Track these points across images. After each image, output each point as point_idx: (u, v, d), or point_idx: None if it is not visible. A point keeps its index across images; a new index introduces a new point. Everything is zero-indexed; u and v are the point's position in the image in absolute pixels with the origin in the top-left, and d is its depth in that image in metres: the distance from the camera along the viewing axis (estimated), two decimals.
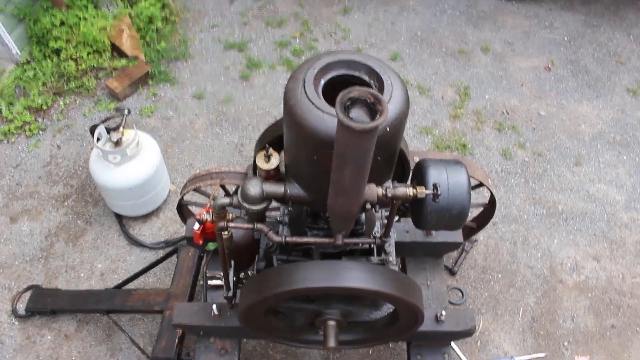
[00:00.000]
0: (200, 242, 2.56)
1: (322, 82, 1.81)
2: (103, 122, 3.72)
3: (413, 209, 2.04)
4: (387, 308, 2.49)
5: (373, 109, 1.43)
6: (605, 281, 3.85)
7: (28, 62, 4.79)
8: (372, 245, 2.32)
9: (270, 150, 2.08)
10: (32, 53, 4.81)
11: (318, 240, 2.07)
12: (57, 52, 4.74)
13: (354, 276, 1.99)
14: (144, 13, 4.99)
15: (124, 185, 3.71)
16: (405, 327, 2.38)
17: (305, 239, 2.11)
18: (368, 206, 1.75)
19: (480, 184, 3.38)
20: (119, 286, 3.57)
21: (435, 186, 1.84)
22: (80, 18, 4.78)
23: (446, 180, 1.93)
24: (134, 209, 3.94)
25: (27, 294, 3.65)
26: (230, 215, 2.16)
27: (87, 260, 3.88)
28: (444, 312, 2.73)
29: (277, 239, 2.06)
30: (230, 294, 2.43)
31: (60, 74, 4.72)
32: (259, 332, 2.49)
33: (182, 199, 3.17)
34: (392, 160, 1.87)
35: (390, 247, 2.64)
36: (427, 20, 5.45)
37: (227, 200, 2.11)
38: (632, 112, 4.75)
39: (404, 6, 5.58)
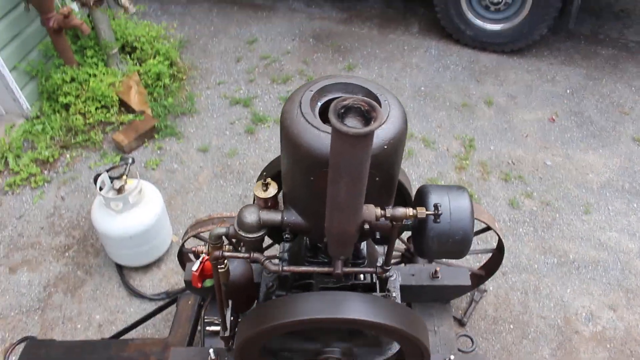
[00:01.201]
0: (199, 285, 2.49)
1: (319, 104, 1.80)
2: (107, 170, 3.72)
3: (415, 236, 1.97)
4: (392, 349, 2.36)
5: (367, 116, 1.40)
6: (624, 331, 3.68)
7: (38, 117, 4.88)
8: (374, 280, 2.23)
9: (269, 180, 2.04)
10: (42, 108, 4.91)
11: (317, 269, 1.99)
12: (67, 107, 4.84)
13: (354, 307, 1.89)
14: (152, 70, 5.11)
15: (125, 234, 3.66)
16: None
17: (303, 269, 2.04)
18: (366, 226, 1.68)
19: (488, 228, 3.32)
20: (115, 336, 3.46)
21: (436, 206, 1.78)
22: (90, 75, 4.90)
23: (448, 205, 1.88)
24: (134, 259, 3.87)
25: (21, 346, 3.53)
26: (227, 247, 2.10)
27: (85, 311, 3.78)
28: (452, 357, 2.59)
29: (273, 267, 1.99)
30: (227, 333, 2.32)
31: (68, 128, 4.79)
32: None
33: (183, 245, 3.12)
34: (391, 183, 1.83)
35: (395, 283, 2.55)
36: (430, 75, 5.55)
37: (223, 229, 2.06)
38: (639, 161, 4.71)
39: (407, 63, 5.69)
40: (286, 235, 1.96)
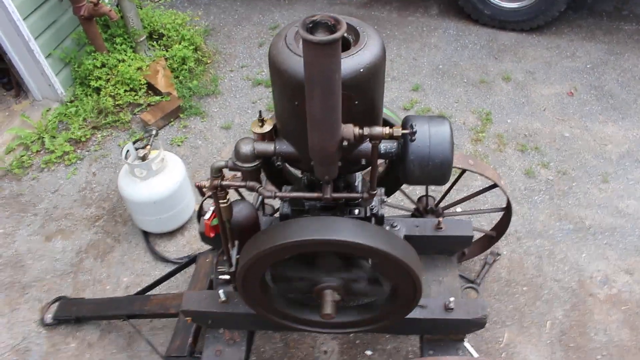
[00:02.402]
0: (212, 234, 2.66)
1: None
2: (133, 143, 3.95)
3: (399, 163, 2.08)
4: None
5: (334, 30, 1.53)
6: None
7: (71, 101, 5.17)
8: (368, 214, 2.35)
9: (264, 116, 2.20)
10: (75, 93, 5.19)
11: (307, 195, 2.13)
12: (97, 90, 5.11)
13: (342, 229, 2.02)
14: (178, 54, 5.35)
15: (149, 199, 3.87)
16: (406, 301, 2.35)
17: (294, 194, 2.18)
18: (345, 143, 1.81)
19: (494, 185, 3.39)
20: (139, 293, 3.66)
21: (411, 126, 1.89)
22: (119, 60, 5.17)
23: (428, 130, 1.99)
24: (159, 225, 4.08)
25: (55, 306, 3.77)
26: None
27: (113, 274, 4.00)
28: (452, 299, 2.68)
29: (267, 193, 2.13)
30: (233, 269, 2.48)
31: (99, 110, 5.06)
32: (259, 307, 2.50)
33: (201, 206, 3.29)
34: (372, 109, 1.94)
35: (399, 233, 2.67)
36: (449, 54, 5.61)
37: (222, 162, 2.22)
38: None
39: (426, 43, 5.78)
40: (277, 163, 2.11)
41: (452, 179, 3.55)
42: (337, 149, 1.83)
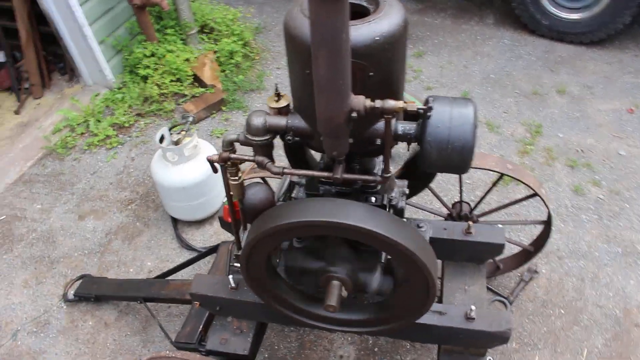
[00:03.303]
0: (230, 218, 2.58)
1: None
2: (170, 128, 3.95)
3: (417, 144, 1.93)
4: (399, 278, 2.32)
5: None
6: None
7: (119, 88, 5.27)
8: (384, 202, 2.21)
9: (280, 91, 2.11)
10: (124, 80, 5.29)
11: (317, 173, 2.01)
12: (145, 78, 5.19)
13: (352, 212, 1.89)
14: (226, 48, 5.38)
15: (179, 184, 3.86)
16: (418, 300, 2.18)
17: (303, 172, 2.07)
18: (354, 114, 1.69)
19: (534, 194, 3.17)
20: (159, 277, 3.63)
21: (427, 100, 1.76)
22: (168, 51, 5.24)
23: (449, 111, 1.83)
24: (187, 212, 4.06)
25: (79, 283, 3.80)
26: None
27: (138, 257, 4.00)
28: (473, 307, 2.49)
29: (275, 169, 2.04)
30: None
31: (144, 98, 5.13)
32: (263, 294, 2.40)
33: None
34: (388, 83, 1.82)
35: (425, 235, 2.52)
36: (501, 64, 5.40)
37: (234, 135, 2.14)
38: None
39: (478, 51, 5.58)
40: (288, 137, 2.01)
41: (486, 179, 3.38)
42: (346, 120, 1.71)
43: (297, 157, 2.61)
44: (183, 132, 3.92)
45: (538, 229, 3.49)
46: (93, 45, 5.01)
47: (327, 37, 1.49)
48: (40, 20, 5.17)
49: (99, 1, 5.00)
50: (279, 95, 2.10)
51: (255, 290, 2.38)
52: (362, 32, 1.71)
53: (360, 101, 1.70)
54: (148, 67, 5.17)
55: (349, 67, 1.61)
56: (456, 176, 3.34)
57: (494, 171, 3.06)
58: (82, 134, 4.96)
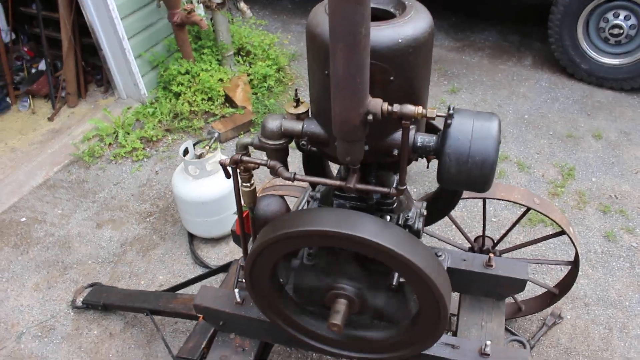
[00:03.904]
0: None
1: None
2: (194, 144, 3.95)
3: (436, 158, 1.84)
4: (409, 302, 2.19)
5: None
6: None
7: (152, 103, 5.33)
8: (400, 222, 2.11)
9: (300, 97, 2.06)
10: (157, 95, 5.36)
11: (328, 181, 1.93)
12: (177, 95, 5.24)
13: (362, 225, 1.80)
14: (260, 71, 5.41)
15: (198, 199, 3.82)
16: (428, 327, 2.05)
17: (315, 178, 1.98)
18: (370, 117, 1.61)
19: (562, 232, 3.02)
20: (168, 290, 3.56)
21: (449, 107, 1.67)
22: (203, 69, 5.30)
23: (471, 123, 1.75)
24: (204, 228, 4.00)
25: (88, 290, 3.75)
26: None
27: (150, 270, 3.94)
28: (488, 342, 2.33)
29: (286, 174, 1.96)
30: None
31: (174, 114, 5.17)
32: (267, 309, 2.29)
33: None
34: (409, 88, 1.75)
35: (443, 264, 2.40)
36: (537, 105, 5.28)
37: (248, 139, 2.09)
38: None
39: (514, 92, 5.48)
40: (302, 142, 1.94)
41: (513, 218, 3.25)
42: (362, 122, 1.63)
43: (315, 170, 2.54)
44: (207, 148, 3.91)
45: (564, 272, 3.31)
46: (130, 59, 5.10)
47: (346, 30, 1.43)
48: (83, 31, 5.31)
49: (138, 17, 5.12)
50: (297, 101, 2.05)
51: (258, 303, 2.28)
52: (385, 33, 1.65)
53: (378, 104, 1.63)
54: (182, 84, 5.23)
55: (367, 65, 1.55)
56: (481, 212, 3.21)
57: (520, 204, 2.93)
58: (110, 144, 5.01)
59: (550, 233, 3.14)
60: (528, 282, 3.63)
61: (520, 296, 3.53)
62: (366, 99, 1.61)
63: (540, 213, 2.93)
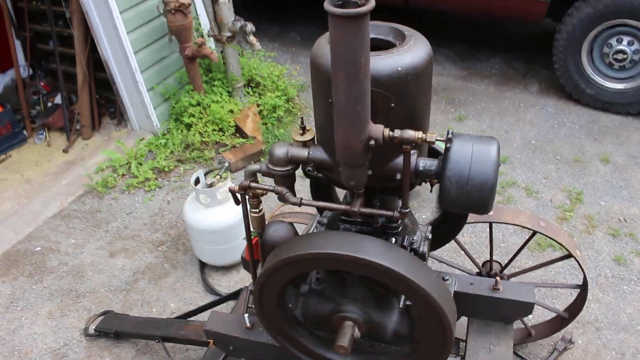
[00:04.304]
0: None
1: None
2: (206, 174, 4.03)
3: (438, 182, 1.89)
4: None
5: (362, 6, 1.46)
6: None
7: (164, 135, 5.45)
8: (405, 244, 2.15)
9: (307, 126, 2.13)
10: (169, 127, 5.48)
11: (334, 205, 1.99)
12: (188, 126, 5.36)
13: (369, 247, 1.85)
14: (269, 102, 5.53)
15: (208, 227, 3.88)
16: (434, 349, 2.07)
17: (321, 203, 2.05)
18: (372, 142, 1.68)
19: (569, 255, 3.04)
20: (180, 317, 3.60)
21: (448, 132, 1.73)
22: (213, 101, 5.43)
23: (471, 147, 1.80)
24: (215, 256, 4.06)
25: (101, 318, 3.80)
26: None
27: (162, 298, 3.99)
28: None
29: (293, 199, 2.03)
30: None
31: (186, 145, 5.28)
32: (276, 333, 2.33)
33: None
34: (411, 117, 1.81)
35: (450, 287, 2.44)
36: (544, 131, 5.33)
37: (257, 166, 2.16)
38: None
39: (521, 118, 5.54)
40: (308, 168, 2.01)
41: (522, 242, 3.27)
42: (364, 147, 1.70)
43: (322, 196, 2.60)
44: (218, 177, 3.99)
45: (573, 296, 3.31)
46: (143, 91, 5.24)
47: (346, 59, 1.51)
48: (97, 66, 5.48)
49: (151, 51, 5.28)
50: (304, 129, 2.13)
51: (267, 327, 2.32)
52: (385, 62, 1.73)
53: (379, 129, 1.70)
54: (193, 115, 5.35)
55: (368, 93, 1.62)
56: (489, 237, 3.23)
57: (526, 227, 2.95)
58: (123, 175, 5.11)
59: (560, 257, 3.15)
60: (538, 307, 3.65)
61: (530, 321, 3.53)
62: (367, 126, 1.68)
63: (547, 236, 2.95)
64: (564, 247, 2.94)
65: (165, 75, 5.51)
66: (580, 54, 5.27)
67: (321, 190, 2.60)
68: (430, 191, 2.11)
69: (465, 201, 1.82)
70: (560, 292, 3.76)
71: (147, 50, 5.24)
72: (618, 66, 5.19)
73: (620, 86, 5.25)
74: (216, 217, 3.89)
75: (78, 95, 5.49)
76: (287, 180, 2.08)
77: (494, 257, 3.32)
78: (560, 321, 3.32)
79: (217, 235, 3.92)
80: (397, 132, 1.70)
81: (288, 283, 2.11)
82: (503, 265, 3.26)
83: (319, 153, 2.00)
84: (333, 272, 2.21)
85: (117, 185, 5.03)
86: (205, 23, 5.61)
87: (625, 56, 5.09)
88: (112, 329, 3.64)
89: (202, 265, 4.19)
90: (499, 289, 2.73)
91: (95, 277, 4.18)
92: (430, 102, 1.98)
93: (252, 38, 5.39)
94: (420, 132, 1.68)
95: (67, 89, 5.83)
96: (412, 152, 1.90)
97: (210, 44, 5.64)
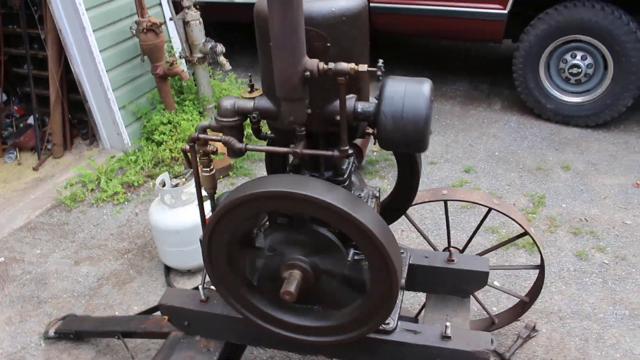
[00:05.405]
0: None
1: None
2: (173, 177, 4.07)
3: (375, 121, 1.97)
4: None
5: None
6: None
7: (134, 152, 5.50)
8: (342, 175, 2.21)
9: (255, 85, 2.22)
10: (140, 145, 5.54)
11: (278, 149, 2.05)
12: (159, 144, 5.42)
13: (312, 186, 1.91)
14: None
15: (173, 227, 3.89)
16: (381, 292, 2.08)
17: (265, 147, 2.12)
18: (307, 74, 1.76)
19: (524, 233, 3.10)
20: (142, 313, 3.55)
21: (377, 61, 1.82)
22: (184, 119, 5.52)
23: (404, 85, 1.89)
24: (180, 258, 4.04)
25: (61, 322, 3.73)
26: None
27: (126, 302, 3.94)
28: (448, 324, 2.36)
29: (238, 145, 2.09)
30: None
31: (156, 161, 5.33)
32: (225, 292, 2.33)
33: None
34: (347, 57, 1.89)
35: (404, 260, 2.49)
36: (507, 143, 5.48)
37: (207, 122, 2.23)
38: None
39: (485, 132, 5.70)
40: (253, 115, 2.08)
41: (477, 220, 3.33)
42: (300, 79, 1.78)
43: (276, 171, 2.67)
44: (183, 180, 4.03)
45: (531, 283, 3.35)
46: (115, 109, 5.32)
47: None
48: (71, 88, 5.57)
49: (124, 70, 5.39)
50: (252, 87, 2.21)
51: (215, 280, 2.31)
52: (319, 4, 1.84)
53: (314, 62, 1.79)
54: (164, 133, 5.42)
55: (302, 25, 1.71)
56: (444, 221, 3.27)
57: (480, 204, 3.02)
58: (93, 190, 5.12)
59: (515, 236, 3.20)
60: (500, 297, 3.67)
61: (493, 310, 3.55)
62: (303, 58, 1.77)
63: (501, 213, 3.02)
64: (517, 223, 3.00)
65: (137, 95, 5.61)
66: (538, 69, 5.50)
67: (276, 166, 2.68)
68: (375, 143, 2.18)
69: (401, 136, 1.89)
70: (518, 279, 3.80)
71: (120, 69, 5.36)
72: (574, 80, 5.41)
73: (578, 99, 5.46)
74: (181, 217, 3.90)
75: (50, 114, 5.55)
76: (235, 132, 2.15)
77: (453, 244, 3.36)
78: (522, 306, 3.34)
79: (182, 236, 3.91)
80: (331, 65, 1.78)
81: (236, 233, 2.13)
82: (461, 249, 3.30)
83: (263, 102, 2.08)
84: (280, 227, 2.23)
85: (86, 199, 5.03)
86: (177, 45, 5.78)
87: (580, 70, 5.31)
88: (72, 329, 3.57)
89: (168, 270, 4.16)
90: (453, 261, 2.78)
91: (58, 284, 4.12)
92: (368, 52, 2.07)
93: (222, 59, 5.55)
94: (353, 64, 1.77)
95: (40, 112, 5.90)
96: (350, 95, 1.99)
97: (182, 66, 5.78)
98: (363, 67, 1.77)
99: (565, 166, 5.03)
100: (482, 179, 4.98)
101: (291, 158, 2.46)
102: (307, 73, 1.77)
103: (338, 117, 1.96)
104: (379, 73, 1.80)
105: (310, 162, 2.21)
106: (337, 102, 1.96)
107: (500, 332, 3.47)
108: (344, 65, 1.78)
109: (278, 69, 1.79)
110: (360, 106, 1.98)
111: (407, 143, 1.93)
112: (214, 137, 2.17)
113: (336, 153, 1.98)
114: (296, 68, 1.76)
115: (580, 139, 5.43)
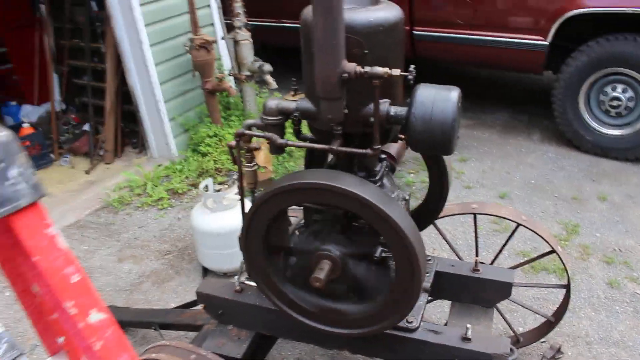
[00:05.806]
0: None
1: None
2: (215, 183, 4.30)
3: (405, 125, 2.12)
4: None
5: None
6: None
7: (180, 162, 5.78)
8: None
9: (299, 90, 2.41)
10: (186, 156, 5.82)
11: (315, 145, 2.22)
12: (204, 155, 5.69)
13: (345, 180, 2.06)
14: None
15: (214, 230, 4.09)
16: (403, 286, 2.20)
17: (304, 144, 2.28)
18: (345, 75, 1.94)
19: (552, 251, 3.16)
20: (180, 307, 3.73)
21: (409, 65, 1.97)
22: (229, 133, 5.78)
23: (434, 91, 2.05)
24: (218, 260, 4.22)
25: None
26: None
27: (164, 299, 4.13)
28: (469, 326, 2.45)
29: (280, 141, 2.26)
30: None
31: (200, 171, 5.58)
32: (258, 278, 2.48)
33: None
34: (381, 64, 2.06)
35: (430, 267, 2.61)
36: (544, 172, 5.52)
37: (252, 120, 2.42)
38: None
39: (522, 161, 5.75)
40: (295, 115, 2.26)
41: (506, 235, 3.38)
42: (338, 80, 1.95)
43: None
44: (226, 185, 4.24)
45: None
46: (164, 120, 5.63)
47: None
48: (125, 99, 5.93)
49: (175, 84, 5.72)
50: (295, 91, 2.41)
51: (251, 268, 2.47)
52: (359, 14, 2.03)
53: (352, 66, 1.96)
54: (209, 145, 5.69)
55: (342, 30, 1.90)
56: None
57: (507, 219, 3.10)
58: (139, 194, 5.40)
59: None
60: (526, 316, 3.71)
61: (519, 330, 3.58)
62: (342, 60, 1.95)
63: (529, 229, 3.09)
64: (544, 239, 3.07)
65: (186, 108, 5.92)
66: (578, 101, 5.55)
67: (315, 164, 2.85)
68: (407, 147, 2.33)
69: (429, 137, 2.04)
70: (547, 302, 3.82)
71: (172, 83, 5.69)
72: (614, 113, 5.43)
73: (617, 132, 5.47)
74: (221, 221, 4.10)
75: (105, 122, 5.90)
76: (277, 130, 2.33)
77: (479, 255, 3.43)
78: (547, 326, 3.37)
79: (222, 239, 4.10)
80: (367, 68, 1.96)
81: (273, 223, 2.30)
82: (489, 263, 3.37)
83: (304, 103, 2.26)
84: (315, 222, 2.39)
85: (132, 203, 5.30)
86: (227, 63, 6.09)
87: (620, 103, 5.34)
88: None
89: (205, 272, 4.35)
90: (478, 270, 2.86)
91: (102, 278, 4.36)
92: (403, 62, 2.24)
93: (268, 77, 5.82)
94: (387, 69, 1.94)
95: (95, 120, 6.27)
96: (384, 100, 2.15)
97: (231, 82, 6.07)
98: (396, 72, 1.94)
99: (601, 197, 5.03)
100: (516, 205, 5.02)
101: (329, 159, 2.63)
102: (345, 75, 1.94)
103: (372, 119, 2.12)
104: (410, 77, 1.96)
105: (345, 162, 2.37)
106: (372, 105, 2.13)
107: (525, 351, 3.49)
108: (378, 69, 1.95)
109: (319, 69, 1.97)
110: (393, 109, 2.14)
111: (435, 145, 2.07)
112: (258, 134, 2.35)
113: (369, 151, 2.14)
114: (335, 69, 1.94)
115: (619, 171, 5.42)
